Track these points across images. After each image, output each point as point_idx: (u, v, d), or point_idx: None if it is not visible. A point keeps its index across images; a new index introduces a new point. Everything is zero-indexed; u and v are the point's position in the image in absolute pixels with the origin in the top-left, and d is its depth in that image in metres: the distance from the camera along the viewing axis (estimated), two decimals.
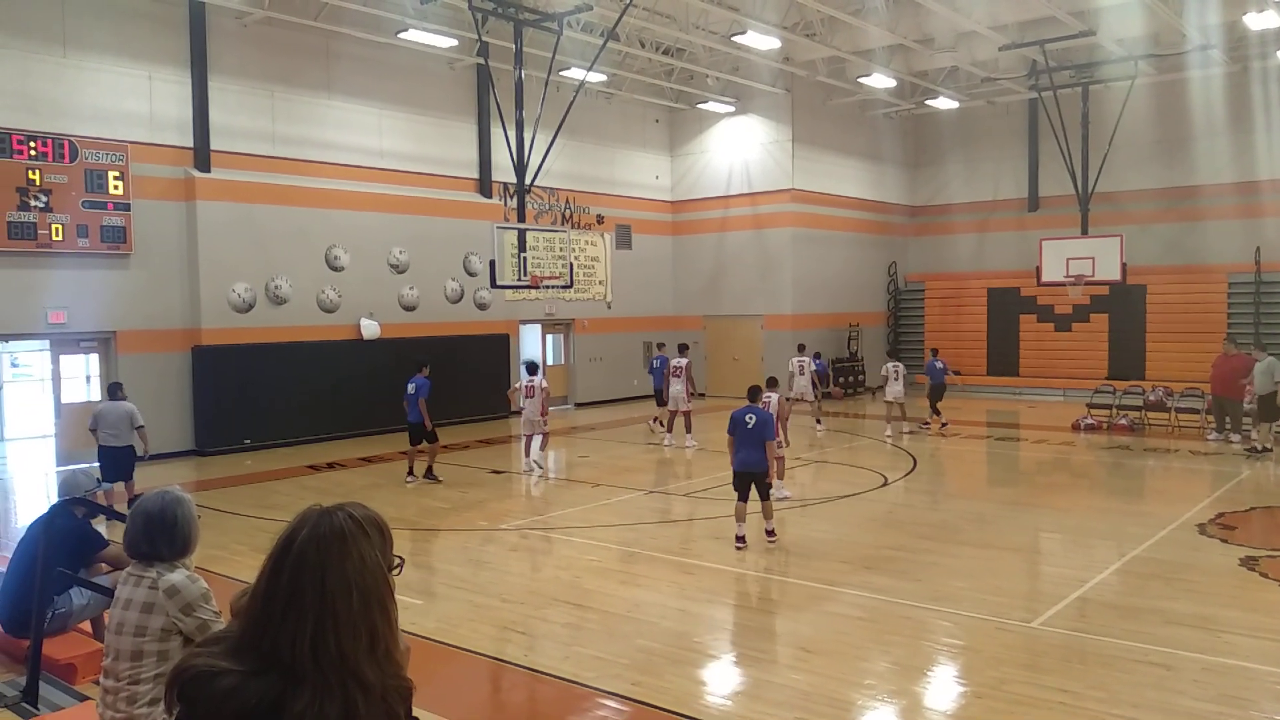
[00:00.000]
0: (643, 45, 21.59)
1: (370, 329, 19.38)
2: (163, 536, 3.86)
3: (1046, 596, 8.50)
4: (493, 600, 8.50)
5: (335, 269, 19.00)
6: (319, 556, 1.81)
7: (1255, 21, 18.02)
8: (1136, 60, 21.07)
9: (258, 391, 17.49)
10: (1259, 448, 16.00)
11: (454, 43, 19.38)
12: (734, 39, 19.75)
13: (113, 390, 12.33)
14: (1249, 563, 9.30)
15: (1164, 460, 16.01)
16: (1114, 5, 18.58)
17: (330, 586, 1.79)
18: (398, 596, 1.97)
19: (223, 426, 17.22)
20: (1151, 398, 19.59)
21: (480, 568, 9.82)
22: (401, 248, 20.07)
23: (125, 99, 16.33)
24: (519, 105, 17.07)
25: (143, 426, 11.82)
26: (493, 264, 16.60)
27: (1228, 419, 17.39)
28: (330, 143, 19.09)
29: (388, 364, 19.25)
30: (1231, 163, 23.97)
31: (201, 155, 17.19)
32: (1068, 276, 21.41)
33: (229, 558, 9.67)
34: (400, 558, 1.99)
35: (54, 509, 6.29)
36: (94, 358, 16.57)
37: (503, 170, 20.82)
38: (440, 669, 6.93)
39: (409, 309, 20.30)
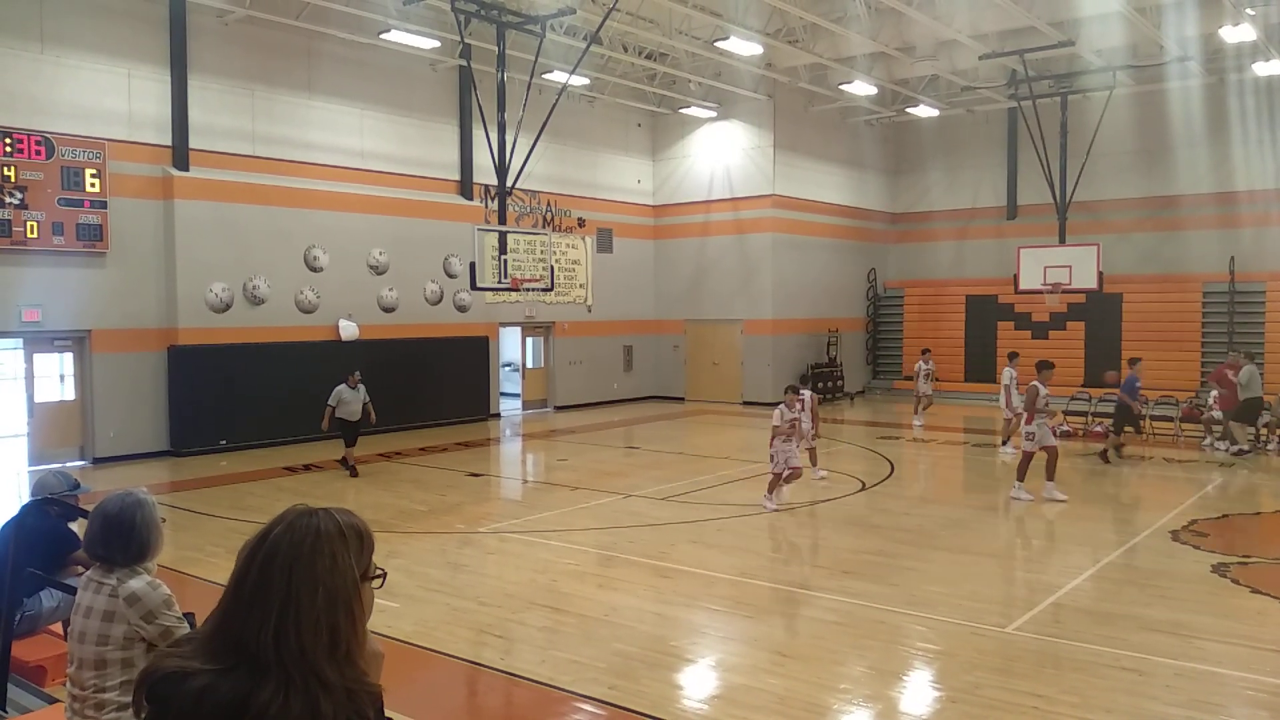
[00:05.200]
0: (625, 49, 21.61)
1: (349, 330, 19.30)
2: (118, 540, 3.75)
3: (1021, 602, 8.56)
4: (470, 603, 8.47)
5: (314, 269, 18.91)
6: (290, 551, 1.84)
7: (1231, 34, 18.23)
8: (1115, 71, 21.29)
9: (234, 392, 17.38)
10: (1244, 449, 16.73)
11: (436, 44, 19.34)
12: (716, 44, 19.82)
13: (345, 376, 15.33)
14: (1221, 569, 9.39)
15: (1138, 467, 16.15)
16: (1093, 16, 18.77)
17: (296, 581, 1.81)
18: (375, 599, 1.97)
19: (198, 427, 17.09)
20: None
21: (458, 571, 9.79)
22: (381, 249, 19.99)
23: (104, 96, 16.19)
24: (501, 107, 17.04)
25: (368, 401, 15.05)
26: (473, 266, 16.55)
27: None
28: (311, 143, 19.00)
29: (366, 365, 19.15)
30: (1208, 173, 24.25)
31: (180, 154, 17.06)
32: (1045, 284, 21.58)
33: (204, 559, 9.60)
34: (382, 570, 1.99)
35: (25, 509, 6.21)
36: (68, 357, 16.39)
37: (484, 172, 20.81)
38: (417, 672, 6.90)
39: (388, 310, 20.22)
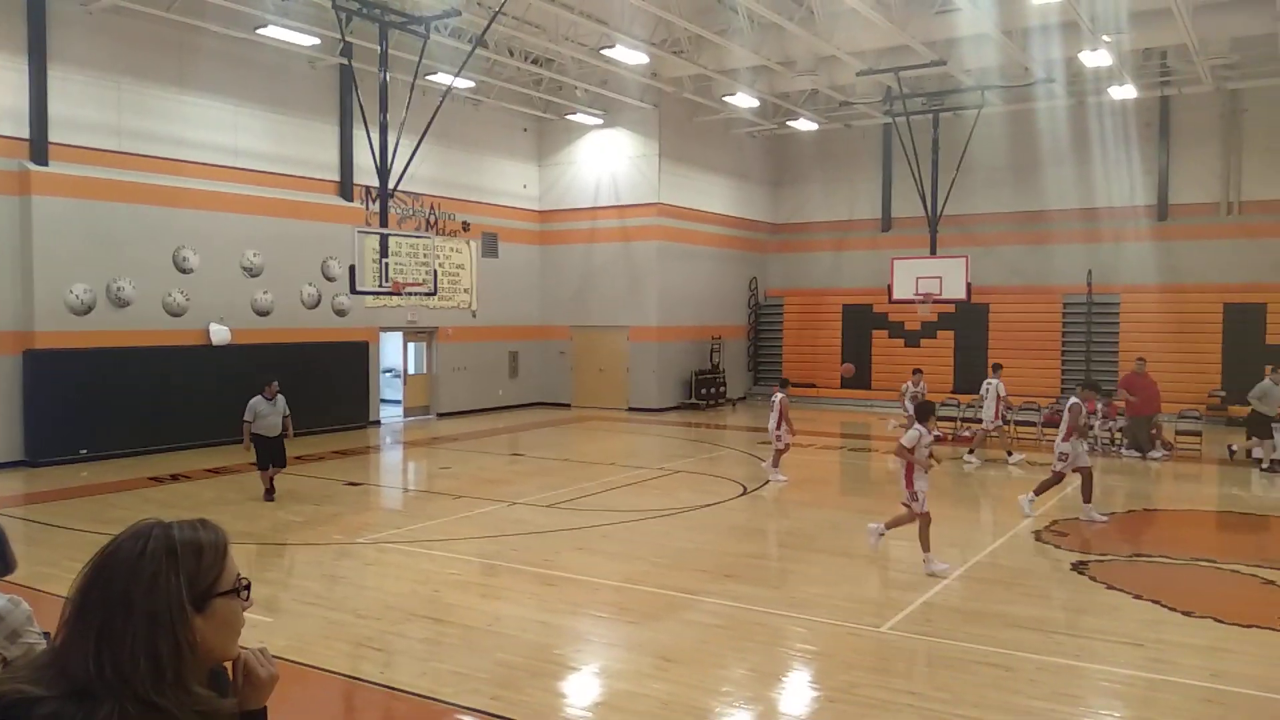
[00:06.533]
0: (511, 54, 21.49)
1: (220, 334, 18.59)
2: None
3: (895, 602, 8.83)
4: (347, 616, 8.26)
5: (183, 271, 18.16)
6: (110, 573, 1.77)
7: (1090, 59, 19.26)
8: (984, 90, 22.23)
9: (96, 399, 16.53)
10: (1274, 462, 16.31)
11: (316, 41, 18.84)
12: (603, 52, 19.88)
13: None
14: (1079, 566, 9.89)
15: (1004, 471, 16.88)
16: (965, 37, 19.56)
17: (111, 604, 1.74)
18: (246, 615, 1.90)
19: (57, 436, 16.18)
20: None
21: (335, 583, 9.53)
22: (256, 250, 19.34)
23: None
24: (383, 108, 16.70)
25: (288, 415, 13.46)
26: (353, 269, 16.17)
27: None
28: (182, 139, 18.24)
29: (238, 371, 18.52)
30: (1071, 190, 25.57)
31: (39, 148, 16.16)
32: (917, 295, 22.34)
33: (62, 575, 9.06)
34: (246, 579, 1.91)
35: None
36: None
37: (365, 173, 20.30)
38: (291, 689, 6.66)
39: (262, 314, 19.56)
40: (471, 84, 22.29)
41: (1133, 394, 17.90)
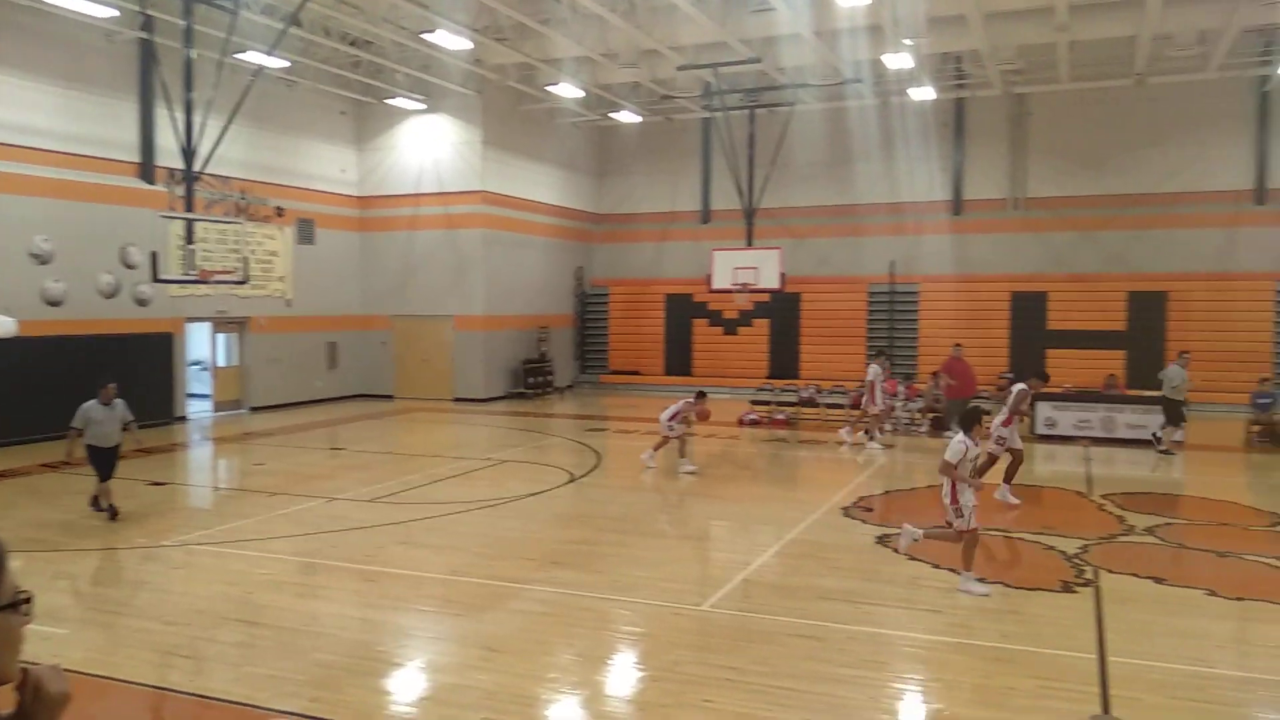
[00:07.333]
0: (328, 34, 20.71)
1: (6, 326, 17.11)
2: None
3: (715, 580, 9.14)
4: (153, 624, 7.84)
5: None
6: None
7: (892, 61, 20.35)
8: (797, 88, 23.11)
9: None
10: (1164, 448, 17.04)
11: (114, 13, 17.54)
12: (423, 36, 19.47)
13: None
14: (883, 540, 10.51)
15: (815, 451, 17.70)
16: (779, 36, 20.26)
17: None
18: (35, 627, 1.81)
19: None
20: (804, 395, 21.69)
21: (139, 589, 9.03)
22: (45, 236, 17.93)
23: None
24: (188, 86, 15.85)
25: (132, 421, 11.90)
26: (155, 256, 15.30)
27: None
28: None
29: (26, 366, 17.20)
30: (877, 185, 26.98)
31: None
32: (734, 285, 23.00)
33: None
34: (26, 592, 1.80)
35: None
36: None
37: (169, 155, 19.14)
38: (90, 705, 6.29)
39: (54, 304, 18.17)
40: (285, 64, 21.35)
41: (952, 378, 19.33)
